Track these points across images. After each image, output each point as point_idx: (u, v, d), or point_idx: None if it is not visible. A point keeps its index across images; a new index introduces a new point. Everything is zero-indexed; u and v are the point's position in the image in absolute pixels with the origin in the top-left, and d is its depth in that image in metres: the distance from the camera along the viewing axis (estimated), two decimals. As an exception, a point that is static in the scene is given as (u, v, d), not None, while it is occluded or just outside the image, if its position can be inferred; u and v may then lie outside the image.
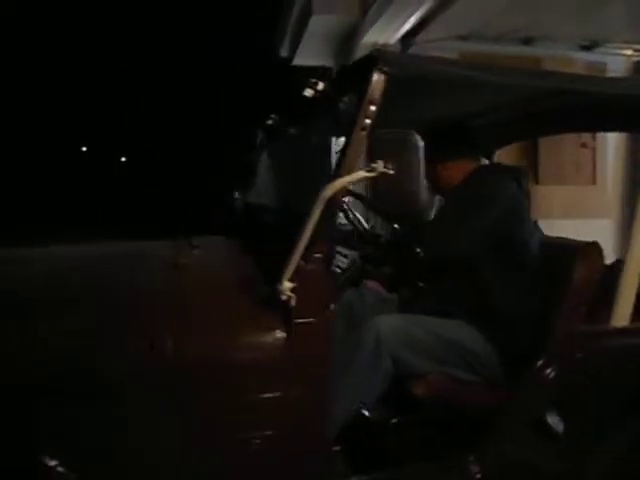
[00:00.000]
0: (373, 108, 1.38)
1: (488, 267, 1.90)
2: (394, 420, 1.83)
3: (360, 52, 5.09)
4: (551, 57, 4.87)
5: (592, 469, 1.67)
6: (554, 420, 1.69)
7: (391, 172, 1.20)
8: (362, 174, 1.25)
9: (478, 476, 1.65)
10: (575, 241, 2.05)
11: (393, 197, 1.26)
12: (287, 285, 1.41)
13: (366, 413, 1.78)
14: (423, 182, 1.23)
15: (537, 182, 5.06)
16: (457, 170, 2.04)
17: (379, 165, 1.22)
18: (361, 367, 1.74)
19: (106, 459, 1.34)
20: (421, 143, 1.23)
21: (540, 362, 1.71)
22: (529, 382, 1.71)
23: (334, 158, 1.45)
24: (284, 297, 1.41)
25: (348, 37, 5.88)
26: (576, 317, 1.93)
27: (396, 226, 1.62)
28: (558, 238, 2.15)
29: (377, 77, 1.41)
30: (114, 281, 1.61)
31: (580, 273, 1.95)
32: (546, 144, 4.96)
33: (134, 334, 1.39)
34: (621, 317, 1.82)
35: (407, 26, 4.79)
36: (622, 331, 1.80)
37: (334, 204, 1.33)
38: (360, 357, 1.75)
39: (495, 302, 1.90)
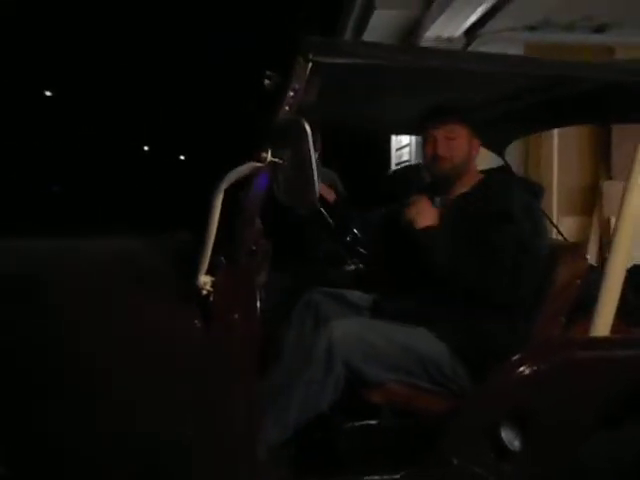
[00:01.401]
0: (291, 95, 1.33)
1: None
2: (347, 427, 1.76)
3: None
4: (624, 45, 4.58)
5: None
6: (509, 435, 1.56)
7: (279, 161, 1.15)
8: (252, 164, 1.21)
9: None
10: (557, 242, 1.89)
11: (288, 187, 1.21)
12: (205, 280, 1.38)
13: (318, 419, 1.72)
14: (315, 170, 1.17)
15: (610, 177, 4.76)
16: (475, 167, 1.96)
17: (268, 154, 1.17)
18: (312, 373, 1.68)
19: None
20: (309, 129, 1.17)
21: (498, 370, 1.59)
22: (484, 390, 1.59)
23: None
24: (204, 292, 1.39)
25: (410, 32, 5.78)
26: (553, 326, 1.78)
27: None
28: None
29: (301, 65, 1.37)
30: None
31: (560, 278, 1.80)
32: (619, 135, 4.56)
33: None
34: (601, 327, 1.66)
35: (473, 18, 4.62)
36: (600, 342, 1.64)
37: (240, 198, 1.30)
38: (312, 363, 1.68)
39: (476, 318, 1.77)
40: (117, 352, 1.39)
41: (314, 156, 1.16)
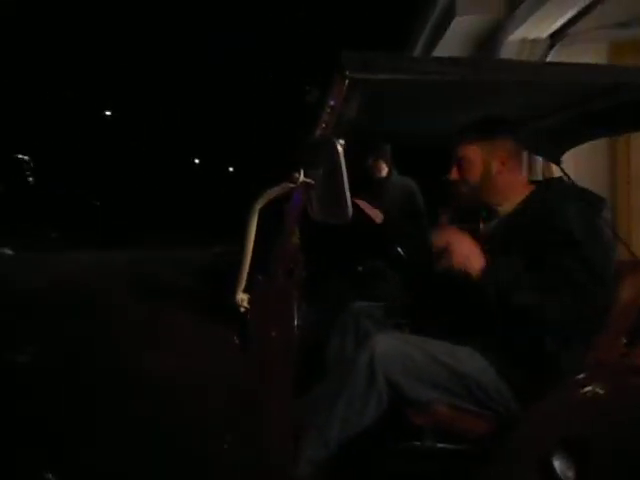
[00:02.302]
0: (328, 112, 1.32)
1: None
2: (388, 447, 1.71)
3: (505, 50, 4.89)
4: None
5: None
6: (562, 464, 1.46)
7: (311, 182, 1.14)
8: (285, 185, 1.21)
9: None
10: (621, 259, 1.77)
11: (321, 206, 1.19)
12: (242, 297, 1.39)
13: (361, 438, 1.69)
14: (346, 188, 1.15)
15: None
16: (515, 181, 1.79)
17: (300, 175, 1.16)
18: (354, 388, 1.65)
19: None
20: (340, 148, 1.15)
21: (554, 394, 1.50)
22: (537, 414, 1.50)
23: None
24: (242, 309, 1.40)
25: (489, 36, 5.66)
26: (614, 347, 1.66)
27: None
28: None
29: (338, 82, 1.35)
30: None
31: (623, 296, 1.67)
32: None
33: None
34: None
35: (563, 19, 4.43)
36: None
37: (277, 217, 1.30)
38: (354, 379, 1.65)
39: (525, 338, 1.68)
40: (159, 367, 1.42)
41: (345, 175, 1.14)
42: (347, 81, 1.35)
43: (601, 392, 1.48)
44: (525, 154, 2.13)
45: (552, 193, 1.77)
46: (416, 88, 1.59)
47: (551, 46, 4.57)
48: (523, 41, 4.68)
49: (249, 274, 1.40)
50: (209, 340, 1.47)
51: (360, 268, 1.81)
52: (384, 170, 3.53)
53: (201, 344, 1.47)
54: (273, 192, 1.25)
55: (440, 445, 1.66)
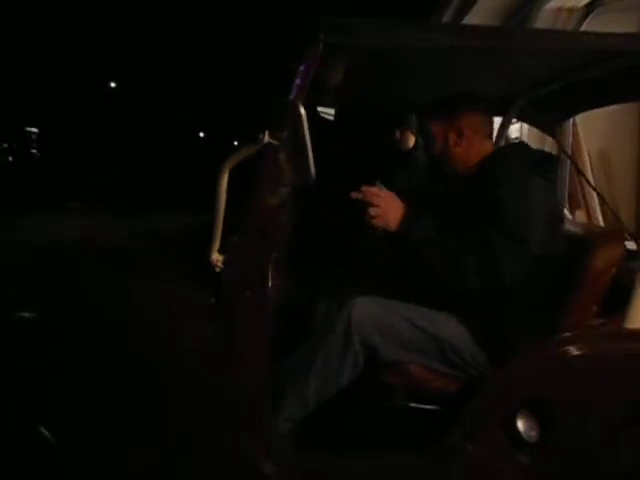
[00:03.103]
0: (299, 80, 1.34)
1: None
2: (361, 406, 1.76)
3: (540, 19, 4.80)
4: None
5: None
6: (526, 426, 1.51)
7: (276, 143, 1.17)
8: (251, 146, 1.24)
9: (435, 474, 1.54)
10: (594, 227, 1.78)
11: (287, 168, 1.23)
12: (217, 257, 1.43)
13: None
14: (310, 151, 1.17)
15: None
16: (479, 150, 1.85)
17: (265, 136, 1.19)
18: (332, 350, 1.70)
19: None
20: (304, 111, 1.17)
21: (519, 357, 1.54)
22: (503, 377, 1.54)
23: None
24: (217, 269, 1.44)
25: (521, 5, 5.50)
26: (584, 315, 1.69)
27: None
28: (576, 224, 1.88)
29: (312, 46, 1.36)
30: None
31: (594, 264, 1.70)
32: None
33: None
34: (635, 319, 1.57)
35: None
36: (631, 335, 1.55)
37: (249, 178, 1.33)
38: (331, 340, 1.71)
39: (497, 305, 1.72)
40: (134, 326, 1.47)
41: (308, 138, 1.16)
42: (322, 45, 1.36)
43: (568, 357, 1.52)
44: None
45: (495, 157, 1.83)
46: (400, 56, 1.59)
47: (585, 15, 4.50)
48: (559, 10, 4.55)
49: (224, 235, 1.44)
50: (185, 301, 1.51)
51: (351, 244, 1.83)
52: (411, 140, 3.38)
53: (178, 305, 1.51)
54: (241, 153, 1.28)
55: (412, 405, 1.71)
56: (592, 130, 2.73)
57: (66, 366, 1.46)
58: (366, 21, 1.43)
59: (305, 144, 1.16)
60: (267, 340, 1.47)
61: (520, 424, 1.50)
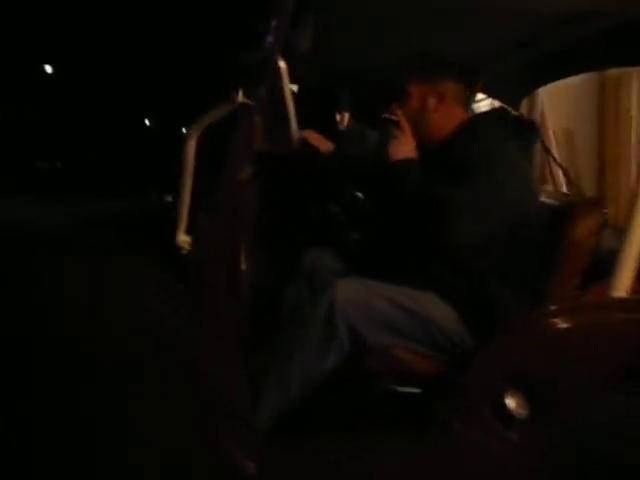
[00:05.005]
0: (272, 36, 1.23)
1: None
2: (349, 393, 1.69)
3: None
4: None
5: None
6: (514, 402, 1.46)
7: (251, 103, 1.06)
8: (223, 107, 1.12)
9: (423, 455, 1.48)
10: (572, 198, 1.75)
11: (264, 131, 1.12)
12: (183, 238, 1.32)
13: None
14: (291, 112, 1.07)
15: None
16: (452, 117, 1.77)
17: (238, 95, 1.08)
18: (314, 336, 1.61)
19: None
20: (284, 67, 1.06)
21: (504, 333, 1.49)
22: (489, 353, 1.49)
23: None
24: (184, 251, 1.33)
25: None
26: (566, 288, 1.65)
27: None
28: (554, 194, 1.85)
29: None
30: None
31: (574, 235, 1.66)
32: None
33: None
34: (620, 287, 1.53)
35: None
36: (615, 304, 1.52)
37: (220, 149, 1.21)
38: (312, 325, 1.61)
39: (483, 286, 1.66)
40: (103, 313, 1.35)
41: (289, 96, 1.06)
42: None
43: (555, 329, 1.47)
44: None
45: (472, 124, 1.77)
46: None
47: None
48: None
49: (192, 214, 1.33)
50: (152, 287, 1.40)
51: (313, 212, 1.73)
52: (346, 119, 3.42)
53: (144, 292, 1.40)
54: (211, 116, 1.16)
55: (399, 389, 1.65)
56: (556, 110, 2.77)
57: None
58: None
59: (285, 104, 1.05)
60: (241, 327, 1.37)
61: (509, 401, 1.45)
